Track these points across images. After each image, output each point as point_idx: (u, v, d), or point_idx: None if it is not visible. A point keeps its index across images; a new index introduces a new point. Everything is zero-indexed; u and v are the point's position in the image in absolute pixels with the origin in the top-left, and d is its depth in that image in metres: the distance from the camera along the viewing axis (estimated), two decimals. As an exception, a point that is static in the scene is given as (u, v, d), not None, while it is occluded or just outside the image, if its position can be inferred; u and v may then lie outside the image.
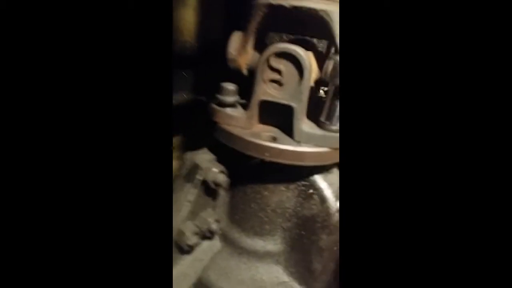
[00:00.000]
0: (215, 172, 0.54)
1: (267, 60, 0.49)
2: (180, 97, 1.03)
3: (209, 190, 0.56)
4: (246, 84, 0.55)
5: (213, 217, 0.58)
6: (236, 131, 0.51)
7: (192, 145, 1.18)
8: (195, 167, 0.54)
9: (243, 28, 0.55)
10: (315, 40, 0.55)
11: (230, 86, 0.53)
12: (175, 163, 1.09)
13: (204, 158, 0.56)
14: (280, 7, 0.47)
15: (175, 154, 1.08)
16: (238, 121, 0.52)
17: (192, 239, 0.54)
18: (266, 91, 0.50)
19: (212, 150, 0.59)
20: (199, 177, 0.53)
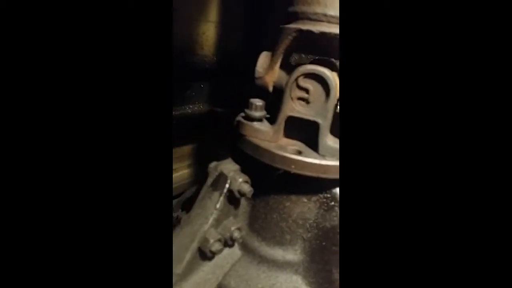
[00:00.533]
0: (240, 182, 0.57)
1: (296, 80, 0.53)
2: (196, 108, 1.07)
3: (232, 199, 0.59)
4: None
5: (235, 226, 0.60)
6: (263, 144, 0.54)
7: (204, 155, 1.21)
8: (222, 176, 0.57)
9: (263, 44, 0.60)
10: (337, 62, 0.60)
11: (258, 102, 0.57)
12: (186, 172, 1.11)
13: (229, 168, 0.59)
14: (309, 32, 0.52)
15: (186, 163, 1.11)
16: (265, 134, 0.56)
17: (215, 246, 0.56)
18: (293, 108, 0.54)
19: (236, 160, 0.62)
20: (227, 185, 0.56)
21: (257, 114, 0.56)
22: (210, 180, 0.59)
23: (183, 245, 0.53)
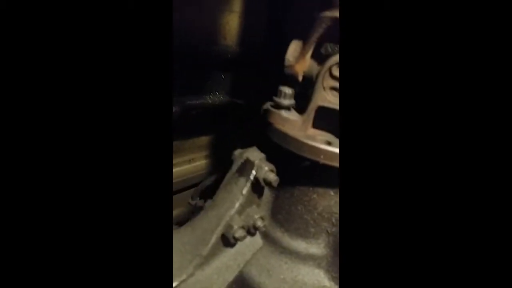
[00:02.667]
0: (266, 170, 0.57)
1: (330, 69, 0.51)
2: (217, 99, 1.07)
3: (257, 187, 0.58)
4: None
5: (258, 214, 0.60)
6: (291, 132, 0.54)
7: (223, 146, 1.20)
8: (248, 163, 0.57)
9: (287, 34, 0.58)
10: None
11: (288, 90, 0.56)
12: (203, 162, 1.12)
13: (255, 155, 0.59)
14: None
15: (204, 153, 1.12)
16: (293, 124, 0.55)
17: (238, 232, 0.56)
18: (325, 98, 0.53)
19: (261, 149, 0.62)
20: (254, 172, 0.55)
21: (286, 102, 0.55)
22: (235, 167, 0.59)
23: (208, 228, 0.53)
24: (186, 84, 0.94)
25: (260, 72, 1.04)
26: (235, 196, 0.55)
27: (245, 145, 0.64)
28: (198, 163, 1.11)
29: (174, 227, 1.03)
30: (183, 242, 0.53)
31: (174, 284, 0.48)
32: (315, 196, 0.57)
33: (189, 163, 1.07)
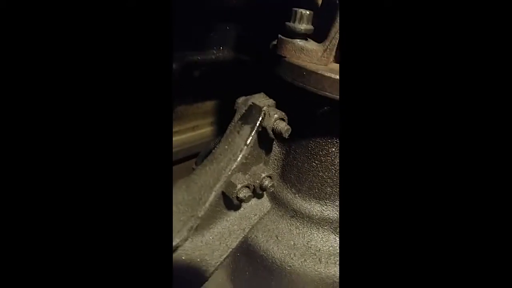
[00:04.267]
0: (276, 118, 0.46)
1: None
2: (221, 54, 0.95)
3: (265, 139, 0.48)
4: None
5: (265, 173, 0.50)
6: (309, 65, 0.42)
7: (228, 111, 1.11)
8: (254, 108, 0.46)
9: None
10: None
11: (304, 11, 0.43)
12: (208, 129, 1.03)
13: (263, 102, 0.48)
14: None
15: (209, 120, 1.03)
16: (312, 54, 0.43)
17: (242, 192, 0.47)
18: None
19: (270, 95, 0.51)
20: (260, 118, 0.45)
21: (303, 27, 0.43)
22: (238, 116, 0.49)
23: (206, 185, 0.44)
24: (186, 36, 0.82)
25: (269, 22, 0.90)
26: (238, 147, 0.45)
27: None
28: (202, 130, 1.03)
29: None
30: (176, 202, 0.45)
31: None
32: (334, 149, 0.47)
33: (193, 130, 1.00)
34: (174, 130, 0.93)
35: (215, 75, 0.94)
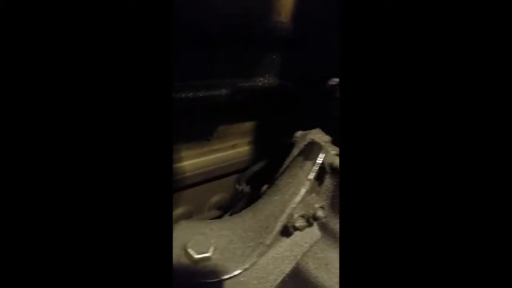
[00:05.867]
0: (333, 155, 0.50)
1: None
2: (266, 81, 1.01)
3: (321, 172, 0.52)
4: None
5: (319, 203, 0.54)
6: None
7: (267, 132, 1.15)
8: (315, 145, 0.51)
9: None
10: None
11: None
12: (246, 148, 1.08)
13: (320, 138, 0.53)
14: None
15: (247, 139, 1.08)
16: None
17: (299, 222, 0.51)
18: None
19: (325, 131, 0.55)
20: (322, 156, 0.49)
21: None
22: (296, 150, 0.54)
23: (272, 215, 0.48)
24: (237, 65, 0.89)
25: (315, 51, 0.96)
26: (301, 182, 0.49)
27: (295, 129, 0.57)
28: (241, 149, 1.08)
29: (215, 212, 1.01)
30: (244, 228, 0.49)
31: (237, 272, 0.45)
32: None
33: (232, 149, 1.05)
34: (214, 148, 0.98)
35: (257, 99, 1.00)
